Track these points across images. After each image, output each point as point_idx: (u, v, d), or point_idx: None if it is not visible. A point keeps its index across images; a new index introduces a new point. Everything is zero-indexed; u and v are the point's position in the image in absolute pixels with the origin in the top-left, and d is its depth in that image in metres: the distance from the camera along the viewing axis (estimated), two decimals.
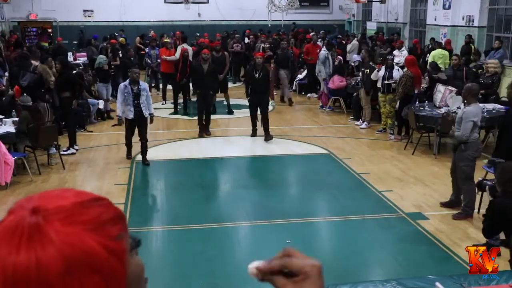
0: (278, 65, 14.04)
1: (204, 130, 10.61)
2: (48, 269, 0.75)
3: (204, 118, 10.62)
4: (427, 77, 11.72)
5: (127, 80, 8.52)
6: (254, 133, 10.47)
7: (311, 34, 18.94)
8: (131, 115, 8.45)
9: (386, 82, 10.37)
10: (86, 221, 0.79)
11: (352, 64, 13.68)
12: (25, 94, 8.79)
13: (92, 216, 0.80)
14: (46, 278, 0.74)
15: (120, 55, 14.14)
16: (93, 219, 0.80)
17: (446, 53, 14.13)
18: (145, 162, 8.77)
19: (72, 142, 9.59)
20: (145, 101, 8.48)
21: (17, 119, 8.62)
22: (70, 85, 9.55)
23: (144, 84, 8.72)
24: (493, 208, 4.26)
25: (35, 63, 10.99)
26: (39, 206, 0.79)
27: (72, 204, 0.81)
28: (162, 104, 13.87)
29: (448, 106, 9.27)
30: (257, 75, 9.94)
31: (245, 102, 14.31)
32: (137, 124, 8.59)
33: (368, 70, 10.92)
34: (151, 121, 8.88)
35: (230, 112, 12.79)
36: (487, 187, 4.38)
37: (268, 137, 10.15)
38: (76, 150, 9.61)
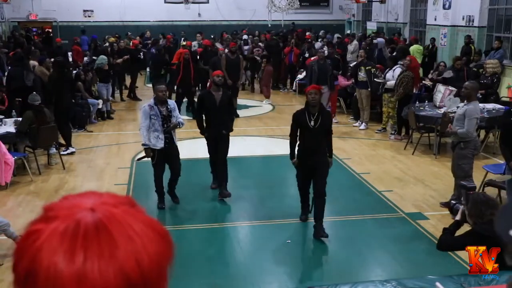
0: (314, 81, 10.65)
1: (220, 189, 7.35)
2: (167, 258, 0.78)
3: (218, 172, 7.41)
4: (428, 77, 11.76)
5: (152, 100, 6.68)
6: (305, 214, 6.57)
7: (308, 33, 18.95)
8: (160, 144, 6.61)
9: (377, 80, 10.41)
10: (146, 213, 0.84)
11: (350, 65, 13.70)
12: (34, 93, 8.71)
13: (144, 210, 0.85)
14: (166, 267, 0.78)
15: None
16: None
17: (422, 47, 15.88)
18: (174, 200, 7.16)
19: (69, 142, 9.55)
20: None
21: (18, 119, 8.62)
22: (66, 86, 9.46)
23: (173, 103, 6.89)
24: (473, 233, 4.01)
25: (34, 63, 11.00)
26: (106, 201, 0.80)
27: (131, 198, 0.84)
28: None
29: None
30: (312, 122, 5.94)
31: (246, 102, 14.36)
32: (168, 155, 6.82)
33: (374, 70, 10.93)
34: (178, 125, 6.82)
35: (236, 115, 12.51)
36: (460, 211, 4.14)
37: (320, 230, 5.99)
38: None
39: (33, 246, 0.75)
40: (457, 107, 7.18)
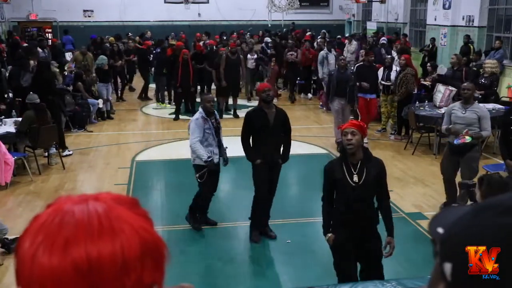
0: (332, 93, 9.65)
1: (264, 230, 6.15)
2: (130, 253, 0.80)
3: (267, 208, 6.12)
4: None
5: (201, 111, 6.02)
6: None
7: (308, 33, 18.89)
8: (215, 159, 6.05)
9: (383, 83, 10.38)
10: (143, 213, 0.87)
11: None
12: (31, 92, 8.68)
13: (144, 211, 0.89)
14: (128, 262, 0.79)
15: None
16: (145, 213, 0.89)
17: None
18: (210, 222, 6.46)
19: (63, 144, 9.43)
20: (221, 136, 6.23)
21: (18, 119, 8.60)
22: (46, 86, 9.26)
23: (216, 113, 6.29)
24: None
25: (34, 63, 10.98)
26: (98, 196, 0.85)
27: (131, 198, 0.89)
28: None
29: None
30: (354, 177, 4.10)
31: (246, 102, 14.32)
32: (216, 172, 6.24)
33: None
34: (226, 162, 6.34)
35: (235, 115, 12.47)
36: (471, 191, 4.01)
37: None
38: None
39: (24, 230, 0.85)
40: (452, 109, 6.79)
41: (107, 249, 0.78)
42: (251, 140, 5.94)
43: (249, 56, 14.05)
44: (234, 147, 10.13)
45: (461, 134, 6.33)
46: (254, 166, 5.88)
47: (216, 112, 6.16)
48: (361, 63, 10.33)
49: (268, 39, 17.33)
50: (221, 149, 6.16)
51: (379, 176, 4.17)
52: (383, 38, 15.99)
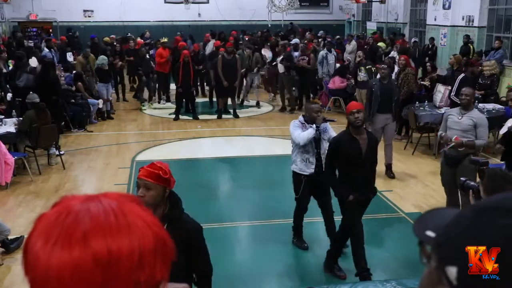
0: (374, 108, 8.17)
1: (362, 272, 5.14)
2: (145, 248, 0.81)
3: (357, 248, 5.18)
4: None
5: (301, 117, 5.54)
6: None
7: (307, 34, 18.90)
8: (309, 169, 5.44)
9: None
10: (149, 211, 0.88)
11: (351, 64, 13.70)
12: (31, 92, 8.68)
13: (149, 208, 0.90)
14: (143, 257, 0.80)
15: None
16: (150, 210, 0.90)
17: (385, 44, 16.59)
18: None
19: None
20: (325, 149, 5.33)
21: (19, 118, 8.60)
22: (51, 87, 9.27)
23: (324, 123, 5.58)
24: None
25: (34, 63, 11.00)
26: (107, 194, 0.86)
27: (135, 196, 0.92)
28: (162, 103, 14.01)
29: (448, 107, 9.25)
30: None
31: (245, 102, 14.33)
32: (317, 187, 5.53)
33: (374, 69, 10.92)
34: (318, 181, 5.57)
35: (235, 115, 12.40)
36: (471, 190, 3.92)
37: None
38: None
39: (31, 229, 0.84)
40: (449, 114, 6.23)
41: (125, 243, 0.79)
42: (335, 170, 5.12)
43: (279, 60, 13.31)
44: (234, 147, 10.19)
45: (450, 141, 5.92)
46: (346, 203, 4.99)
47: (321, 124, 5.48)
48: (464, 74, 8.75)
49: (297, 40, 15.65)
50: (321, 163, 5.47)
51: (185, 246, 2.85)
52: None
